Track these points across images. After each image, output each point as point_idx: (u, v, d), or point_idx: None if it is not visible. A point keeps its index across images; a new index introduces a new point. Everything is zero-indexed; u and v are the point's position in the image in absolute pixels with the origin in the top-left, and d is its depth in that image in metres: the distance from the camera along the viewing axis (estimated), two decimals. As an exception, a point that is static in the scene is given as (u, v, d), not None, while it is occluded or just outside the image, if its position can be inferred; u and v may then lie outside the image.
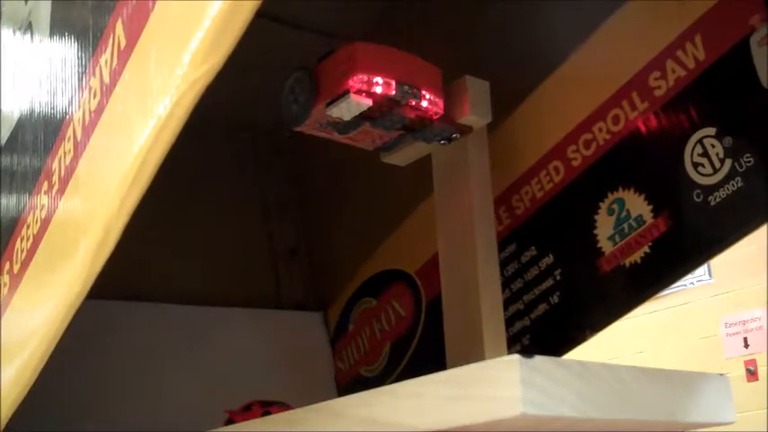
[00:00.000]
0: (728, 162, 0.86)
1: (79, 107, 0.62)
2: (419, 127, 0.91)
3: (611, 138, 0.96)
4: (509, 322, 0.97)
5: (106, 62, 0.57)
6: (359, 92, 0.82)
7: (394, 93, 0.84)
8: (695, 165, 0.88)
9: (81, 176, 0.62)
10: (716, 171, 0.87)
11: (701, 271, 3.13)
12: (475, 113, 0.91)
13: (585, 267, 0.97)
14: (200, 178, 1.29)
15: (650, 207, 0.92)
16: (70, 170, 0.63)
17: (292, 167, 1.39)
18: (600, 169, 0.97)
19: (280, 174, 1.40)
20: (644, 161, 0.94)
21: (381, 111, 0.86)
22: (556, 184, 1.01)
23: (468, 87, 0.91)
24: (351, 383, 1.27)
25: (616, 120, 0.95)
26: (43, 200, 0.69)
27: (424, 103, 0.87)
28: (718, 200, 0.87)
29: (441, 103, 0.88)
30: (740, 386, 2.96)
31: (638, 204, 0.93)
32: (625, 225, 0.94)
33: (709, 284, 3.12)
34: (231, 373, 1.20)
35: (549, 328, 1.01)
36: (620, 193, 0.95)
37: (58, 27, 0.70)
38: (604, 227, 0.96)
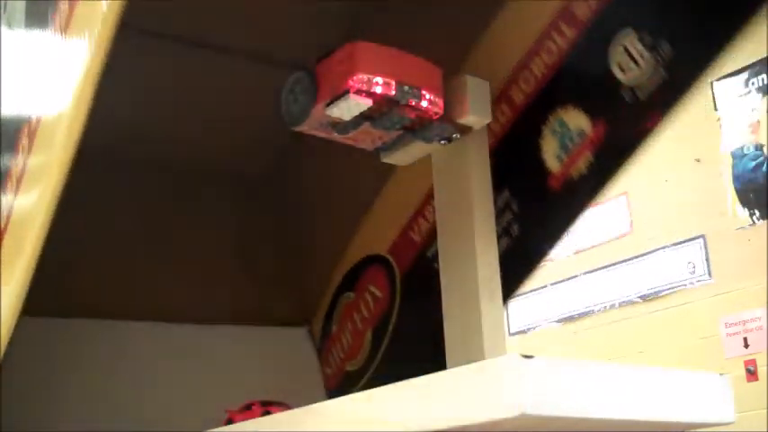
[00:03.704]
0: (650, 57, 0.90)
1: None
2: (419, 127, 0.91)
3: (548, 72, 0.99)
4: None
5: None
6: (359, 92, 0.82)
7: (394, 93, 0.84)
8: (620, 66, 0.93)
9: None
10: (639, 67, 0.91)
11: (702, 271, 3.13)
12: (475, 113, 0.91)
13: (537, 191, 1.01)
14: (190, 208, 1.32)
15: (588, 118, 0.96)
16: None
17: (273, 198, 1.42)
18: (540, 99, 1.00)
19: (264, 203, 1.42)
20: (576, 77, 0.97)
21: (381, 111, 0.86)
22: (503, 125, 1.03)
23: (468, 87, 0.91)
24: (339, 383, 1.29)
25: (549, 52, 0.98)
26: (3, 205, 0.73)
27: (424, 103, 0.87)
28: (646, 93, 0.91)
29: (441, 103, 0.88)
30: (740, 386, 2.95)
31: (577, 118, 0.97)
32: (568, 141, 0.98)
33: (709, 284, 3.11)
34: (220, 388, 1.20)
35: (514, 260, 1.04)
36: (560, 113, 0.99)
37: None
38: (550, 147, 1.00)
